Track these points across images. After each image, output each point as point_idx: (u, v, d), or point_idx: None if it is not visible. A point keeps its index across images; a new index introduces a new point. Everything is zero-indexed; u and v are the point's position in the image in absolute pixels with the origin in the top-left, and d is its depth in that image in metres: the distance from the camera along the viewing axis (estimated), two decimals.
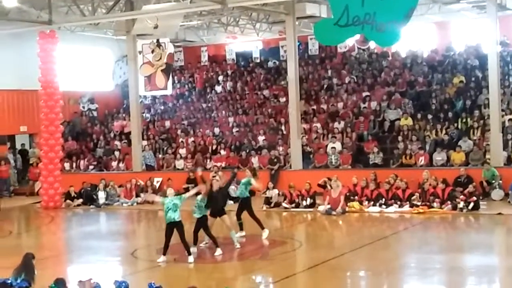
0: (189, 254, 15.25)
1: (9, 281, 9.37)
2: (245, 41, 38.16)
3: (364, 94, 30.28)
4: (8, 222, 22.91)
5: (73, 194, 26.65)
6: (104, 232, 20.43)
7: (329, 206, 21.95)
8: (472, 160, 24.74)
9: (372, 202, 22.44)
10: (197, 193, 16.31)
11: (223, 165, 28.17)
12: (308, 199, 23.04)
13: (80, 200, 26.46)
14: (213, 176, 18.35)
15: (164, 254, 15.18)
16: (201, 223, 15.98)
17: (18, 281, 9.74)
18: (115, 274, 14.73)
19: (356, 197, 22.74)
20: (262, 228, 17.62)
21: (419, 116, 27.73)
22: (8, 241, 20.43)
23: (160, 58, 26.98)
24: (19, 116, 32.13)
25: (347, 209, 22.07)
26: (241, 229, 17.74)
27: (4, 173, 29.36)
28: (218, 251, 15.80)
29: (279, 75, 34.15)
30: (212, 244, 16.17)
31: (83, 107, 35.62)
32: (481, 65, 29.22)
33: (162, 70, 27.07)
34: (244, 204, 17.86)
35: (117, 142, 31.53)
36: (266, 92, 33.25)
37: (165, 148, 30.44)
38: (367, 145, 27.13)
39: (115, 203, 26.26)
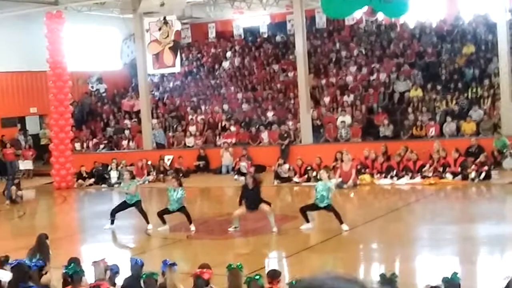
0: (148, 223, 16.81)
1: (23, 262, 9.45)
2: (252, 16, 37.97)
3: (373, 66, 30.15)
4: (22, 203, 23.05)
5: (84, 174, 26.78)
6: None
7: (340, 179, 21.96)
8: (483, 129, 24.65)
9: (383, 175, 22.45)
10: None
11: (233, 141, 28.20)
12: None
13: (92, 180, 26.60)
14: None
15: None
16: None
17: (34, 261, 9.83)
18: (129, 252, 14.86)
19: (367, 170, 22.75)
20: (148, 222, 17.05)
21: (428, 87, 27.58)
22: (22, 222, 20.61)
23: (168, 36, 26.92)
24: (29, 98, 32.16)
25: (358, 182, 22.09)
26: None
27: (10, 156, 29.39)
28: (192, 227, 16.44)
29: (287, 50, 34.01)
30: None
31: (92, 87, 35.63)
32: (490, 34, 29.01)
33: (169, 48, 27.03)
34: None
35: (127, 121, 31.57)
36: (274, 67, 33.14)
37: (175, 126, 30.47)
38: (377, 117, 27.07)
39: None
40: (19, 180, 24.11)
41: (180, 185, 16.72)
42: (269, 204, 16.10)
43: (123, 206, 17.48)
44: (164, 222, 16.72)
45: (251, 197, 15.96)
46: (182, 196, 16.47)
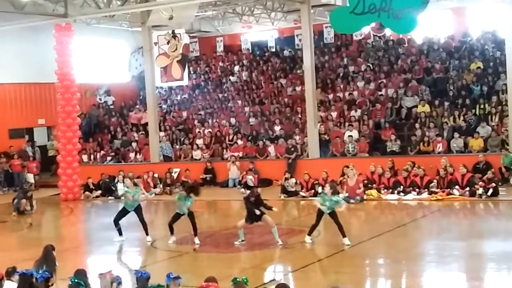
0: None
1: (28, 272, 9.46)
2: (260, 31, 38.08)
3: (380, 81, 30.16)
4: (28, 214, 23.07)
5: (91, 186, 26.80)
6: (123, 223, 20.56)
7: (346, 194, 21.92)
8: (490, 146, 24.60)
9: (390, 190, 22.40)
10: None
11: (240, 155, 28.21)
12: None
13: (99, 192, 26.62)
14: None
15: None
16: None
17: (40, 272, 9.83)
18: (135, 265, 14.84)
19: (374, 185, 22.71)
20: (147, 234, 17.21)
21: (436, 102, 27.59)
22: (29, 233, 20.62)
23: (176, 49, 27.03)
24: (37, 109, 32.31)
25: (365, 197, 22.04)
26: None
27: (17, 167, 29.47)
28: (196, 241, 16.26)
29: (295, 64, 34.08)
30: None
31: (100, 99, 35.74)
32: (498, 50, 29.02)
33: (178, 61, 27.14)
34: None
35: (134, 134, 31.63)
36: (282, 81, 33.19)
37: (182, 139, 30.51)
38: (384, 132, 27.06)
39: None
40: (31, 194, 24.14)
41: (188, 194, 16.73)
42: (270, 208, 16.04)
43: (123, 213, 17.44)
44: (172, 232, 16.56)
45: (252, 210, 15.94)
46: (191, 203, 16.43)
